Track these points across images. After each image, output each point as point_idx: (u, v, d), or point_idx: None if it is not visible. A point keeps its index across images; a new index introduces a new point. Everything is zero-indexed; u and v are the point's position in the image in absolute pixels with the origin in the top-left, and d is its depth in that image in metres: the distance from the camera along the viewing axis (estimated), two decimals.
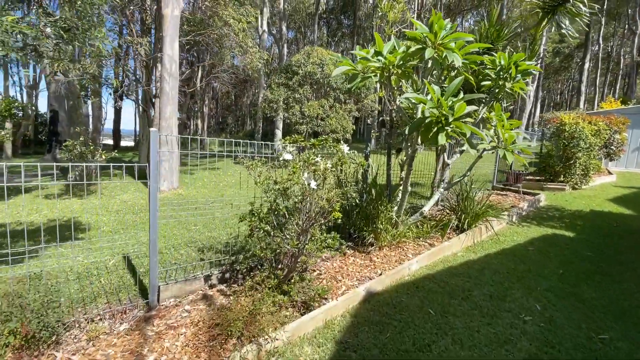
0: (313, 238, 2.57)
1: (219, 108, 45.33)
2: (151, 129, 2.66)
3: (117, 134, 25.19)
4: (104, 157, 8.36)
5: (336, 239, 2.83)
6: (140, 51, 7.36)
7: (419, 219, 4.31)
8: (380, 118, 5.45)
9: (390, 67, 3.19)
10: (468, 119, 3.42)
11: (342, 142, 3.03)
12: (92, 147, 8.18)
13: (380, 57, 3.19)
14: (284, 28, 18.46)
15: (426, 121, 2.95)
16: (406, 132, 4.53)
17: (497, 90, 3.91)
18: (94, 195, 7.41)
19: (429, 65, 3.48)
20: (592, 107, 27.62)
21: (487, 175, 8.96)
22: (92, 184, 8.52)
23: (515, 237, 4.76)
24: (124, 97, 8.61)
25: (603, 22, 26.60)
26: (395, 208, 4.29)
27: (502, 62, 3.77)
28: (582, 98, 24.34)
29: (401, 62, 3.23)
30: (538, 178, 8.69)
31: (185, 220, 5.32)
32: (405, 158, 4.61)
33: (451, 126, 2.90)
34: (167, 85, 7.02)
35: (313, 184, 2.36)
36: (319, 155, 3.19)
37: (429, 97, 2.97)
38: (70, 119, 8.60)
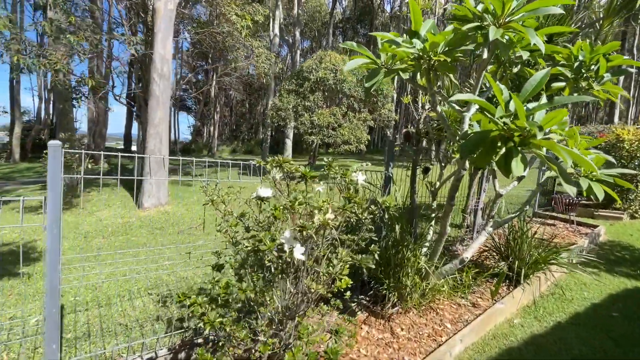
0: (301, 336, 1.49)
1: (233, 116, 45.25)
2: (50, 143, 1.68)
3: (128, 138, 24.88)
4: (90, 166, 7.55)
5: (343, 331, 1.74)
6: (131, 49, 6.62)
7: (457, 267, 3.17)
8: (405, 130, 4.35)
9: (431, 55, 2.12)
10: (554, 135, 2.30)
11: (355, 169, 1.95)
12: (77, 155, 7.38)
13: (416, 41, 2.13)
14: (297, 34, 17.73)
15: (490, 137, 1.87)
16: (448, 149, 3.40)
17: (575, 95, 2.79)
18: (73, 211, 6.56)
19: (484, 55, 2.39)
20: (627, 121, 25.66)
21: (521, 196, 7.69)
22: (78, 197, 7.73)
23: (586, 293, 3.54)
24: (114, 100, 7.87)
25: None
26: (424, 250, 3.19)
27: (583, 55, 2.65)
28: (617, 111, 22.54)
29: (447, 49, 2.15)
30: (586, 203, 7.36)
31: (157, 253, 4.33)
32: (436, 183, 3.52)
33: (532, 145, 1.81)
34: (157, 88, 6.16)
35: (299, 253, 1.29)
36: (321, 183, 2.17)
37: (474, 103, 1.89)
38: (60, 124, 7.88)
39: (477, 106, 2.54)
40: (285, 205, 1.44)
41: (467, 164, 2.52)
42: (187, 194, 8.53)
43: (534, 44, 1.83)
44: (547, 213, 6.61)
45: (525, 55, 2.27)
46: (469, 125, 2.43)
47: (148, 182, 6.36)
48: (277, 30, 14.47)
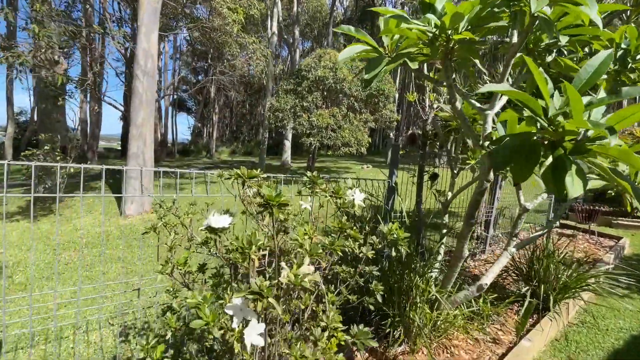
0: None
1: (233, 117, 44.88)
2: None
3: (125, 138, 24.45)
4: (73, 169, 7.08)
5: None
6: (115, 44, 6.16)
7: (475, 295, 2.68)
8: (410, 132, 3.86)
9: (450, 34, 1.63)
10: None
11: (350, 187, 1.47)
12: (58, 157, 6.92)
13: (431, 16, 1.65)
14: (296, 33, 17.28)
15: (530, 142, 1.39)
16: (463, 154, 2.93)
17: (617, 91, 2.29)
18: (50, 218, 6.09)
19: (514, 39, 1.89)
20: None
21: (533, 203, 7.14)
22: (60, 201, 7.25)
23: (622, 322, 3.04)
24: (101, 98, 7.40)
25: None
26: (435, 275, 2.72)
27: (628, 43, 2.16)
28: None
29: (469, 27, 1.66)
30: (604, 210, 6.85)
31: (130, 270, 3.85)
32: (447, 193, 3.04)
33: (590, 154, 1.33)
34: (140, 85, 5.70)
35: (255, 336, 0.80)
36: (309, 198, 1.74)
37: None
38: (42, 125, 7.42)
39: (503, 102, 2.05)
40: (240, 245, 0.95)
41: (491, 174, 2.03)
42: (178, 198, 8.05)
43: (588, 23, 1.35)
44: (562, 222, 6.12)
45: (564, 40, 1.79)
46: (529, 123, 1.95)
47: (131, 187, 5.89)
48: (275, 29, 14.01)
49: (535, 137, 1.44)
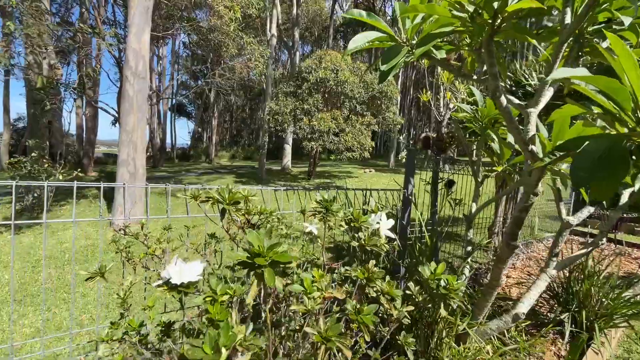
0: None
1: (233, 121, 44.67)
2: None
3: None
4: (61, 177, 6.72)
5: None
6: (103, 45, 5.82)
7: (510, 325, 2.28)
8: (423, 134, 3.46)
9: (499, 7, 1.25)
10: None
11: (373, 209, 1.06)
12: (47, 165, 6.56)
13: None
14: (296, 35, 17.00)
15: (621, 147, 1.01)
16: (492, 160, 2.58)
17: None
18: (35, 230, 5.71)
19: (567, 18, 1.50)
20: None
21: (546, 209, 6.81)
22: (48, 210, 6.88)
23: None
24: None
25: None
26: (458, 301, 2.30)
27: None
28: None
29: None
30: (625, 216, 6.44)
31: (110, 293, 3.44)
32: (470, 206, 2.65)
33: None
34: (131, 88, 5.35)
35: None
36: (315, 218, 1.36)
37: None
38: (31, 131, 7.08)
39: (548, 98, 1.66)
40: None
41: (539, 186, 1.65)
42: (172, 206, 7.68)
43: None
44: (582, 229, 5.71)
45: (627, 20, 1.42)
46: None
47: (120, 195, 5.52)
48: (274, 31, 13.72)
49: (624, 142, 1.06)
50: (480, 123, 2.61)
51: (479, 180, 2.72)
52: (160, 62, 21.32)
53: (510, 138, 2.35)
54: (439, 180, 3.44)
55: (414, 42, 1.67)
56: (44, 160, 6.48)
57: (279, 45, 21.68)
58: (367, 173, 16.23)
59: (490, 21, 1.29)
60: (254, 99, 39.38)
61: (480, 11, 1.27)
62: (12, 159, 6.08)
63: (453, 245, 4.44)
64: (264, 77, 11.41)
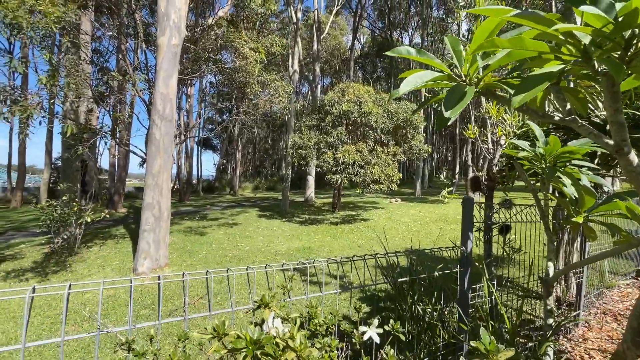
0: None
1: (256, 153, 45.79)
2: None
3: None
4: (89, 219, 6.73)
5: None
6: (134, 91, 6.00)
7: None
8: (472, 174, 3.05)
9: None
10: None
11: None
12: (76, 208, 6.62)
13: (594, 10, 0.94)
14: (317, 69, 17.39)
15: None
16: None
17: None
18: (61, 276, 5.63)
19: None
20: None
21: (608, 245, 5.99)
22: (75, 253, 6.88)
23: None
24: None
25: None
26: None
27: None
28: None
29: None
30: None
31: None
32: (545, 265, 2.18)
33: None
34: (157, 132, 5.37)
35: None
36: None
37: None
38: (64, 173, 7.28)
39: None
40: None
41: None
42: (197, 246, 7.50)
43: None
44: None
45: None
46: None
47: (144, 240, 5.37)
48: (296, 67, 14.07)
49: None
50: (544, 163, 2.19)
51: (556, 233, 2.26)
52: (189, 100, 22.38)
53: (585, 181, 1.93)
54: (492, 226, 2.99)
55: (474, 77, 1.34)
56: (74, 203, 6.55)
57: (299, 79, 22.30)
58: (393, 203, 15.64)
59: (617, 54, 0.94)
60: (275, 130, 40.41)
61: (601, 43, 0.93)
62: (45, 202, 6.17)
63: (509, 295, 3.84)
64: (287, 110, 11.50)
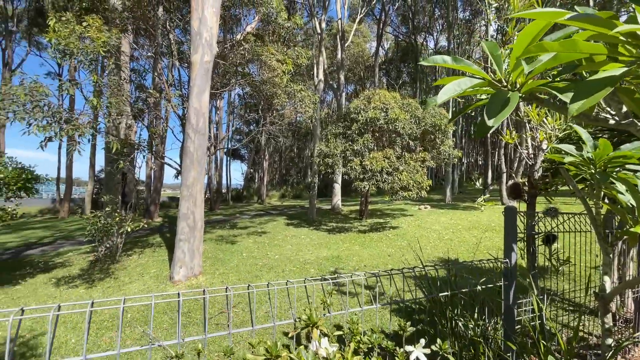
0: None
1: (282, 161, 46.58)
2: None
3: None
4: (129, 228, 7.09)
5: None
6: (169, 106, 6.35)
7: None
8: (512, 181, 2.89)
9: None
10: None
11: None
12: (117, 218, 7.01)
13: None
14: (342, 78, 17.49)
15: None
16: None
17: None
18: (105, 283, 5.95)
19: None
20: None
21: None
22: (117, 262, 7.27)
23: None
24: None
25: None
26: None
27: None
28: None
29: None
30: None
31: None
32: (604, 278, 2.01)
33: None
34: (192, 145, 5.61)
35: None
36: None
37: None
38: (106, 186, 7.77)
39: None
40: None
41: None
42: (228, 255, 7.67)
43: None
44: None
45: None
46: None
47: (180, 249, 5.58)
48: (321, 76, 14.23)
49: None
50: (594, 168, 2.05)
51: (605, 241, 2.09)
52: (218, 112, 23.25)
53: None
54: (535, 236, 2.81)
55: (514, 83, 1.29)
56: (116, 214, 6.95)
57: (324, 88, 22.54)
58: (422, 210, 15.22)
59: None
60: (301, 139, 40.97)
61: None
62: (90, 213, 6.60)
63: (557, 310, 3.58)
64: (313, 120, 11.62)
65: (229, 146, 30.02)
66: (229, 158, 33.87)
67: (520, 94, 1.50)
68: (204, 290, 1.28)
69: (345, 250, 8.04)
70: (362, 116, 10.05)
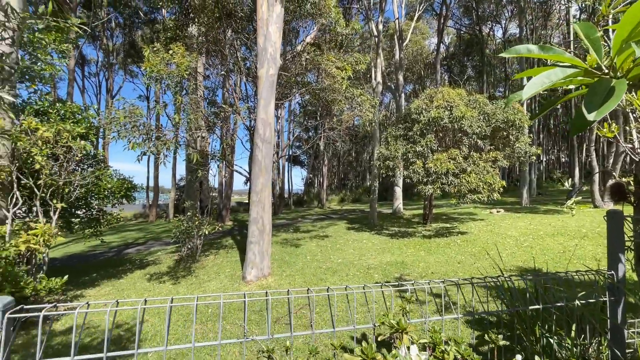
0: None
1: (340, 165, 46.96)
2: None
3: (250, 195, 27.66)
4: (207, 231, 7.81)
5: None
6: (239, 119, 6.89)
7: None
8: (614, 181, 2.50)
9: None
10: None
11: None
12: (197, 222, 7.78)
13: None
14: (400, 78, 17.04)
15: None
16: None
17: None
18: (187, 280, 6.65)
19: None
20: None
21: None
22: (196, 261, 8.06)
23: None
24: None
25: None
26: None
27: None
28: None
29: None
30: None
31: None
32: None
33: None
34: (260, 153, 6.00)
35: None
36: None
37: None
38: (187, 193, 8.70)
39: None
40: None
41: None
42: (293, 257, 7.98)
43: None
44: None
45: None
46: None
47: (251, 251, 5.98)
48: (379, 78, 14.05)
49: None
50: None
51: None
52: (279, 121, 24.43)
53: None
54: None
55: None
56: (195, 218, 7.73)
57: (382, 90, 22.21)
58: (494, 214, 13.97)
59: None
60: (358, 143, 40.84)
61: None
62: (174, 218, 7.45)
63: None
64: (373, 123, 11.53)
65: (290, 153, 31.30)
66: (289, 164, 35.27)
67: (628, 81, 1.34)
68: (288, 291, 1.37)
69: (410, 256, 7.76)
70: (424, 116, 9.66)
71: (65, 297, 5.79)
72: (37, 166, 4.66)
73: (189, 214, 7.72)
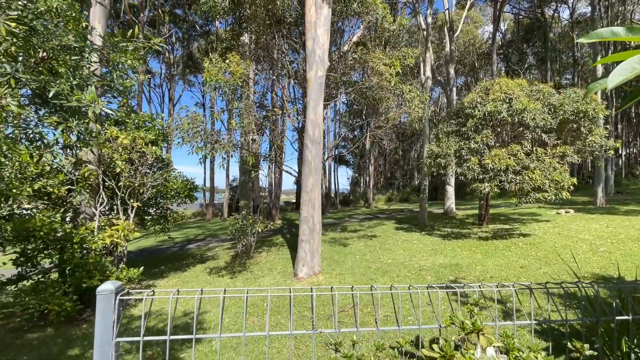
0: None
1: (386, 164, 46.00)
2: (100, 289, 1.11)
3: (299, 194, 28.38)
4: (260, 229, 8.20)
5: None
6: (289, 120, 7.12)
7: None
8: None
9: None
10: None
11: None
12: (251, 220, 8.20)
13: None
14: (451, 71, 16.20)
15: None
16: None
17: None
18: (243, 275, 7.05)
19: None
20: None
21: None
22: (250, 257, 8.50)
23: None
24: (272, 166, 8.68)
25: None
26: None
27: None
28: None
29: None
30: None
31: (303, 354, 3.57)
32: None
33: None
34: (309, 154, 6.14)
35: None
36: None
37: None
38: (241, 193, 9.22)
39: None
40: None
41: None
42: (342, 256, 8.03)
43: None
44: None
45: None
46: None
47: (302, 249, 6.16)
48: (428, 73, 13.52)
49: None
50: None
51: None
52: (325, 121, 24.69)
53: None
54: None
55: None
56: (249, 216, 8.16)
57: (431, 84, 21.33)
58: (562, 215, 12.64)
59: None
60: (405, 141, 39.61)
61: None
62: (230, 216, 7.94)
63: None
64: (423, 120, 11.15)
65: (336, 153, 31.46)
66: (335, 164, 35.45)
67: None
68: (352, 287, 1.41)
69: (465, 258, 7.37)
70: (479, 110, 9.08)
71: (141, 286, 6.49)
72: (118, 170, 5.31)
73: (243, 212, 8.17)
